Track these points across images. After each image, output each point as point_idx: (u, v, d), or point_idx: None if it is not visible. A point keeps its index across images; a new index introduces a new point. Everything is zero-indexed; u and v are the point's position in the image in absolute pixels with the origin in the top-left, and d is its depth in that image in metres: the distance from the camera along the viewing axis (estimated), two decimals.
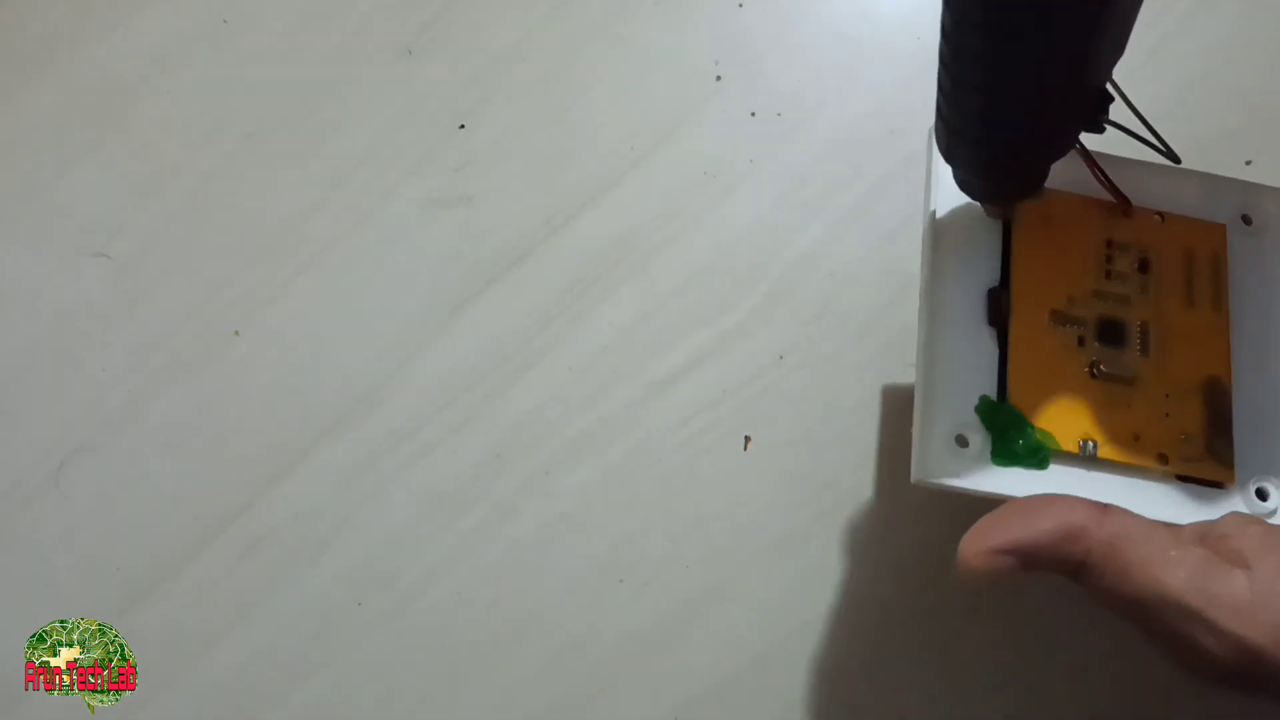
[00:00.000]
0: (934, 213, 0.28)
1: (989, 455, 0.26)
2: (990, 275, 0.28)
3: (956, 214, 0.29)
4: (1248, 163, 0.35)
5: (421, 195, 0.39)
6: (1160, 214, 0.28)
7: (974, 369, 0.27)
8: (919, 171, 0.30)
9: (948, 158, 0.25)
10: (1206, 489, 0.26)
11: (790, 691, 0.33)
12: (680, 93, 0.38)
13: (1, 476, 0.38)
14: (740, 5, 0.39)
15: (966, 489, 0.26)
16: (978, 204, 0.28)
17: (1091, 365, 0.27)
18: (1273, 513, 0.26)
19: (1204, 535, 0.24)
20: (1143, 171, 0.29)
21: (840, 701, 0.33)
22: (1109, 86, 0.24)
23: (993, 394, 0.27)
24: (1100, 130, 0.24)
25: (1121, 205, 0.28)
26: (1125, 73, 0.26)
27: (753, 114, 0.38)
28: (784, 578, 0.34)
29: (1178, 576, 0.22)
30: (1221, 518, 0.25)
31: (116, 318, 0.39)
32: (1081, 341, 0.27)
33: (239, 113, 0.40)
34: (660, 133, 0.38)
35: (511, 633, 0.35)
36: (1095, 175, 0.28)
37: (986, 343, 0.27)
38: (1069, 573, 0.23)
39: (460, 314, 0.37)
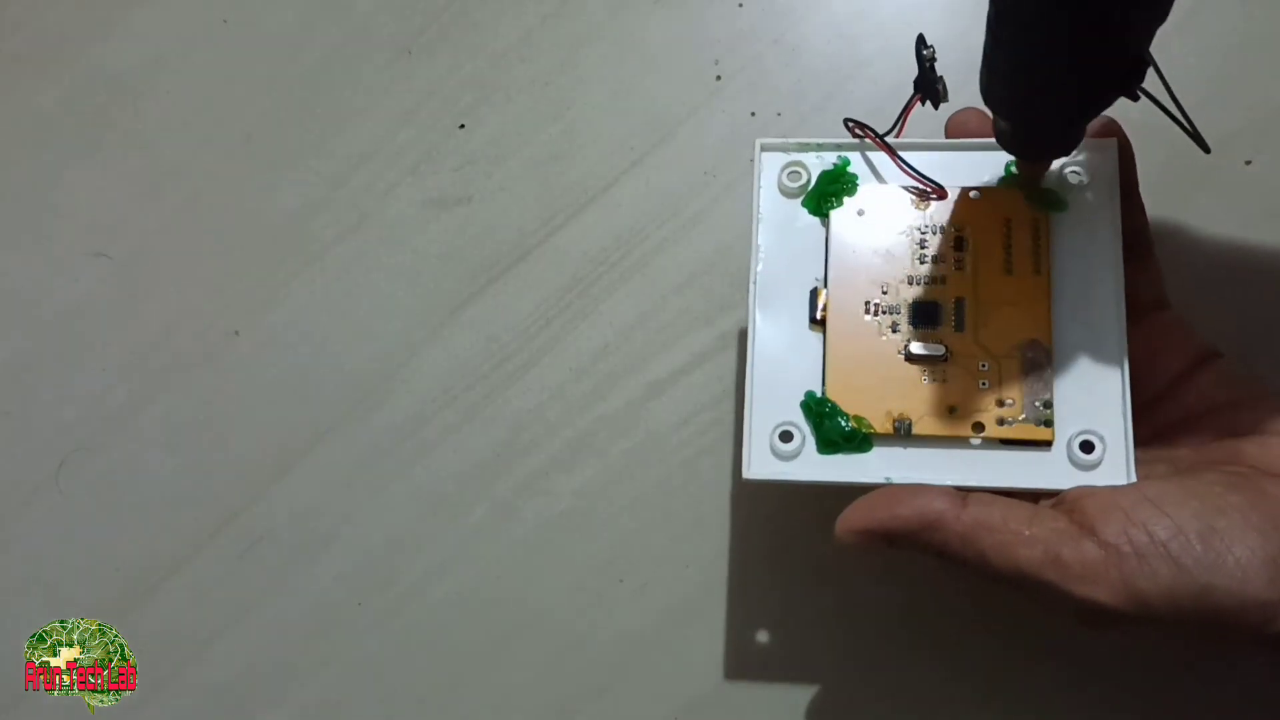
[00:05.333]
0: (760, 219, 0.30)
1: (815, 447, 0.28)
2: (814, 275, 0.29)
3: (782, 220, 0.30)
4: (1247, 162, 0.35)
5: (421, 195, 0.39)
6: (978, 189, 0.29)
7: (799, 367, 0.29)
8: None
9: (986, 99, 0.25)
10: (1030, 450, 0.27)
11: (791, 692, 0.33)
12: (680, 93, 0.38)
13: (1, 476, 0.38)
14: (740, 5, 0.39)
15: (795, 480, 0.28)
16: (802, 209, 0.30)
17: (904, 347, 0.28)
18: (1097, 465, 0.27)
19: (1060, 502, 0.26)
20: (962, 152, 0.30)
21: (841, 702, 0.33)
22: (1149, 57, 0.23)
23: (819, 390, 0.28)
24: (1134, 97, 0.23)
25: (933, 191, 0.29)
26: None
27: (753, 114, 0.38)
28: (785, 578, 0.34)
29: (1033, 553, 0.24)
30: (1075, 488, 0.26)
31: (116, 318, 0.39)
32: (895, 327, 0.28)
33: (239, 113, 0.40)
34: (660, 133, 0.38)
35: (511, 633, 0.35)
36: (899, 165, 0.29)
37: (811, 341, 0.29)
38: (933, 556, 0.25)
39: (460, 313, 0.37)
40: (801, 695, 0.33)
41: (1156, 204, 0.34)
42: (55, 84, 0.41)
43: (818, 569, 0.34)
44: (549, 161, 0.38)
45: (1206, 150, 0.25)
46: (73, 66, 0.41)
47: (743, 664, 0.34)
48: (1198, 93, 0.35)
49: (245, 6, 0.41)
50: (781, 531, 0.34)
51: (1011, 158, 0.29)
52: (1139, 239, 0.29)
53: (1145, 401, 0.28)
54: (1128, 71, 0.23)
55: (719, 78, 0.38)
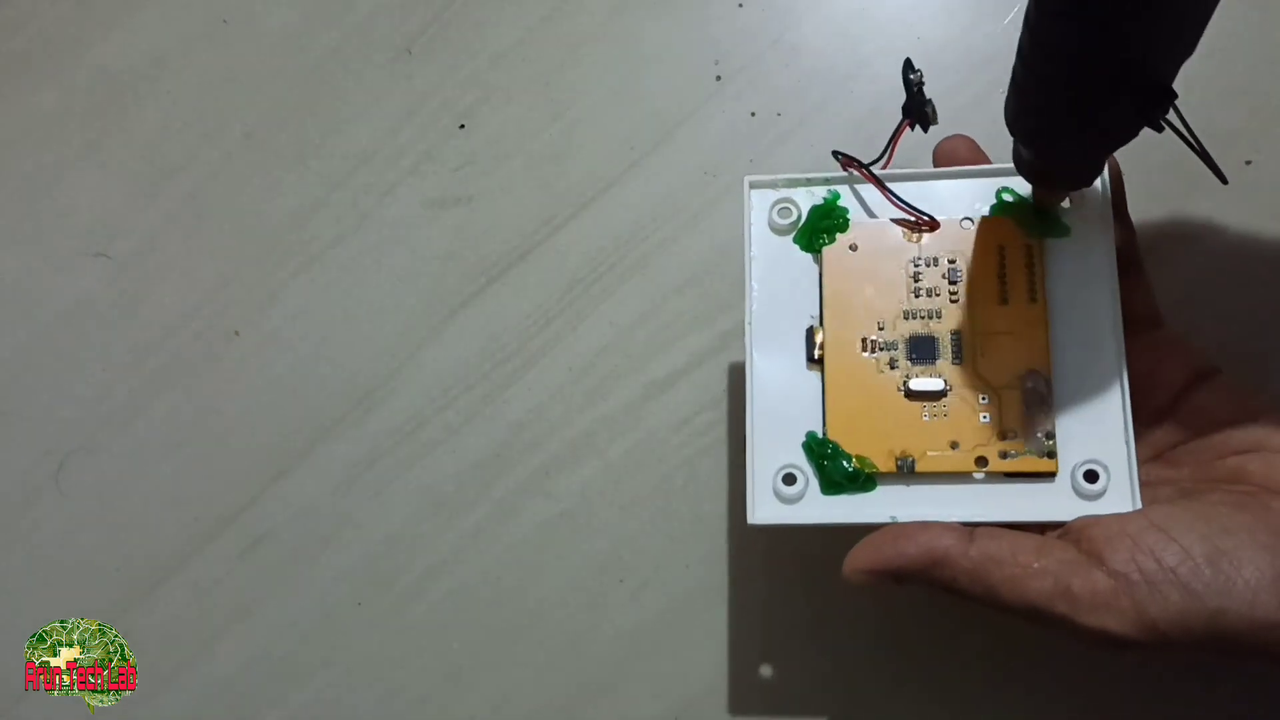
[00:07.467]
0: (752, 258, 0.30)
1: (819, 488, 0.28)
2: (809, 313, 0.29)
3: (774, 257, 0.30)
4: (1248, 163, 0.34)
5: (421, 195, 0.39)
6: (969, 218, 0.29)
7: (799, 408, 0.28)
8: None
9: (1012, 128, 0.25)
10: (1034, 482, 0.27)
11: (791, 691, 0.33)
12: (680, 93, 0.38)
13: (1, 476, 0.38)
14: (740, 5, 0.39)
15: (801, 523, 0.27)
16: (794, 246, 0.29)
17: (903, 384, 0.28)
18: (1102, 494, 0.26)
19: (1067, 532, 0.25)
20: (953, 180, 0.29)
21: (842, 701, 0.33)
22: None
23: (820, 430, 0.28)
24: (1159, 129, 0.23)
25: (925, 223, 0.29)
26: None
27: (753, 114, 0.38)
28: (785, 578, 0.34)
29: (1043, 586, 0.24)
30: (1079, 518, 0.26)
31: (116, 318, 0.39)
32: (894, 364, 0.28)
33: (239, 113, 0.40)
34: (660, 133, 0.38)
35: (511, 633, 0.35)
36: (889, 199, 0.29)
37: (809, 381, 0.28)
38: (942, 591, 0.25)
39: (460, 313, 0.37)
40: (802, 695, 0.33)
41: (1156, 206, 0.34)
42: (55, 84, 0.41)
43: (817, 568, 0.34)
44: (549, 161, 0.38)
45: (1224, 181, 0.25)
46: (73, 66, 0.41)
47: (743, 664, 0.34)
48: (1199, 93, 0.35)
49: (245, 6, 0.41)
50: (781, 531, 0.34)
51: (1002, 185, 0.29)
52: (1128, 258, 0.28)
53: (1144, 421, 0.28)
54: (1154, 103, 0.23)
55: (719, 78, 0.38)
